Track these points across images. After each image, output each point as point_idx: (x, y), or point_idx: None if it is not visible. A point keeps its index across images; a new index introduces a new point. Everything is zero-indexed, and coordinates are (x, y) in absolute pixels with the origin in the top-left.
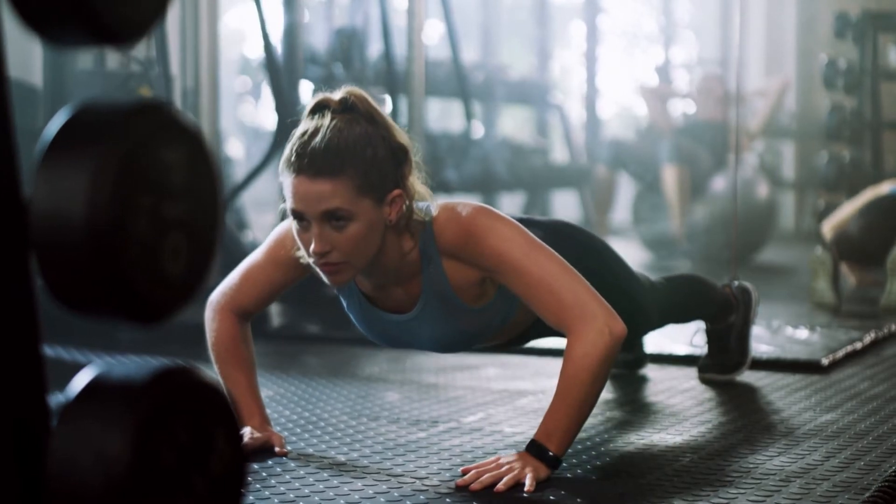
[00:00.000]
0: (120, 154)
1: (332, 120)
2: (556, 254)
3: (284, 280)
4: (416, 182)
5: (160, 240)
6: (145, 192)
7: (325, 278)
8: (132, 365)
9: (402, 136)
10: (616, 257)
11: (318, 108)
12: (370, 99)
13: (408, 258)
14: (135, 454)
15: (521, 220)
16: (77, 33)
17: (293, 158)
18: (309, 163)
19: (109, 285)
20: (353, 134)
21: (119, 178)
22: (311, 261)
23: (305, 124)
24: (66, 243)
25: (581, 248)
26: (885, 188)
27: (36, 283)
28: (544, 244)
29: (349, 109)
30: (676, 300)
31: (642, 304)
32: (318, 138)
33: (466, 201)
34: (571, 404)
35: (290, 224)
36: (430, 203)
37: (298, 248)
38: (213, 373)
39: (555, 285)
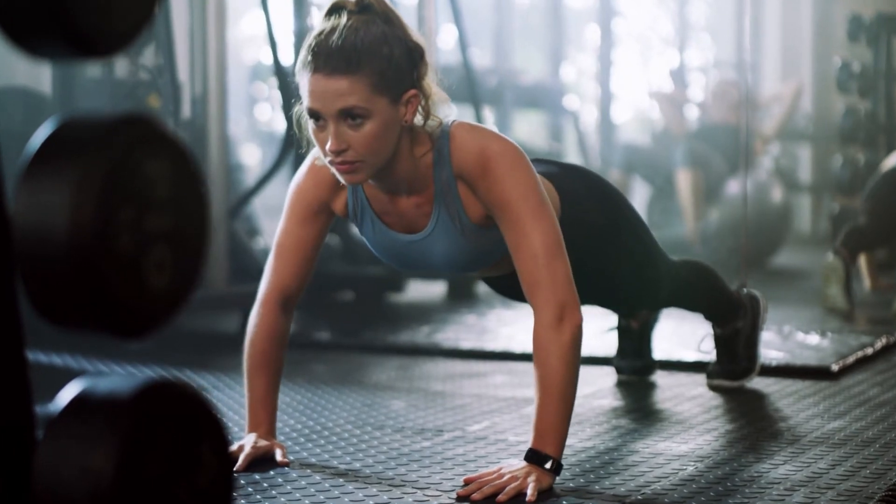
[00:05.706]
0: (103, 167)
1: (348, 19)
2: (558, 228)
3: (315, 233)
4: (432, 84)
5: (144, 253)
6: (129, 205)
7: (340, 178)
8: (119, 379)
9: (418, 37)
10: (633, 210)
11: (335, 9)
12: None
13: (421, 163)
14: (120, 468)
15: (536, 160)
16: (58, 45)
17: (310, 57)
18: (325, 61)
19: (93, 299)
20: (370, 33)
21: (102, 192)
22: (326, 160)
23: (322, 24)
24: (50, 257)
25: (596, 192)
26: (892, 160)
27: (20, 296)
28: (553, 212)
29: (365, 9)
30: (687, 277)
31: (655, 263)
32: (334, 37)
33: (498, 133)
34: (554, 399)
35: (300, 178)
36: (452, 118)
37: (316, 150)
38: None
39: (540, 257)
